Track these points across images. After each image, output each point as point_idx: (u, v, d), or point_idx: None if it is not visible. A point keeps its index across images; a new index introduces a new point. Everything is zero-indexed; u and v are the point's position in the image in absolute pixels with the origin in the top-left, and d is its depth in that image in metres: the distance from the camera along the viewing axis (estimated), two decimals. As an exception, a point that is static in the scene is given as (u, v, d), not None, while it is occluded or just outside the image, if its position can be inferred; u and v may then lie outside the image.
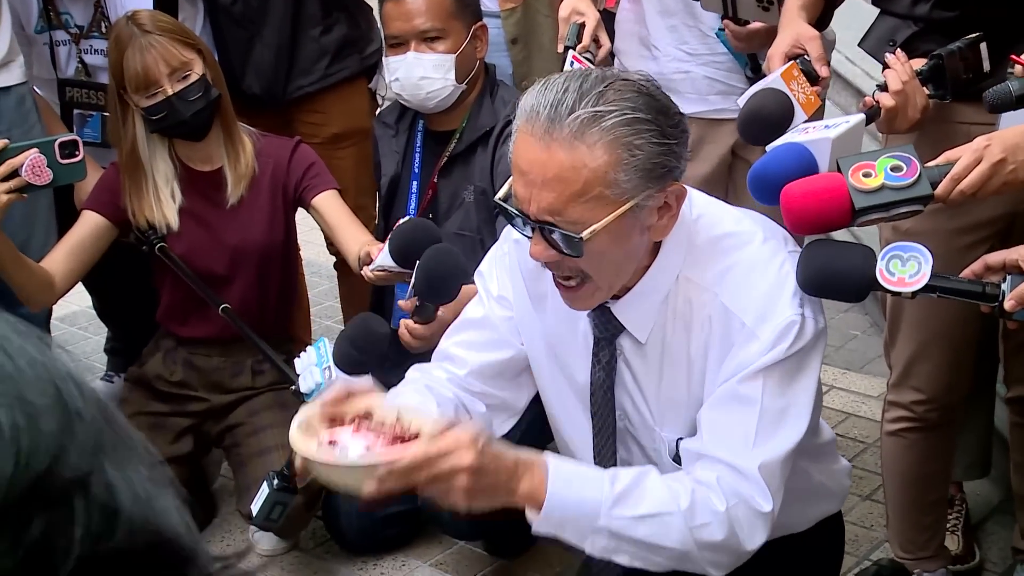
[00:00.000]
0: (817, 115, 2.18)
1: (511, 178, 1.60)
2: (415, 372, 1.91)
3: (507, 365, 1.86)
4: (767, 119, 2.07)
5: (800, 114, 2.08)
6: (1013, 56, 1.91)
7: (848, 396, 3.40)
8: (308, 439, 1.50)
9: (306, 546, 2.84)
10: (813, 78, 2.11)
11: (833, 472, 1.87)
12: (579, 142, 1.50)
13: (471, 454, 1.44)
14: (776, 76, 2.09)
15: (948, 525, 2.70)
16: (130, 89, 2.58)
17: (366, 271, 2.42)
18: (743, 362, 1.60)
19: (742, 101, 2.14)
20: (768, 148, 1.90)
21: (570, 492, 1.52)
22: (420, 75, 2.63)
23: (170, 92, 2.56)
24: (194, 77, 2.58)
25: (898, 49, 2.10)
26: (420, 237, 2.24)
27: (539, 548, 2.84)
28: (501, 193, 1.65)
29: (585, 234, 1.52)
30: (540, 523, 1.52)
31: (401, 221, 2.39)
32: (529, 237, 1.59)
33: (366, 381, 1.62)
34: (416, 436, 1.49)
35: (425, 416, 1.55)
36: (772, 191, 1.77)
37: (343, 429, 1.53)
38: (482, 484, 1.47)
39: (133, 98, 2.59)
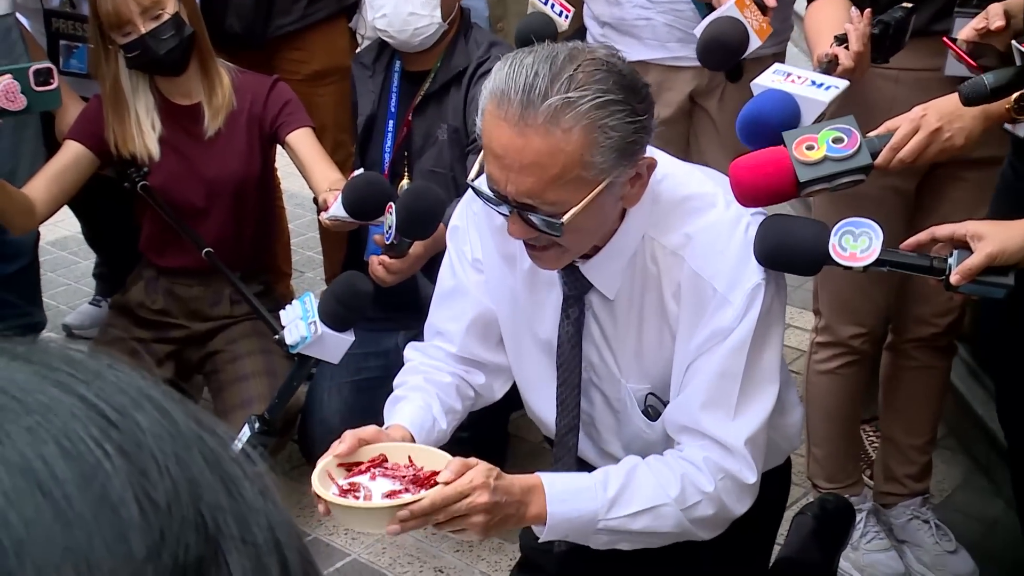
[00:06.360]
0: (769, 41, 2.27)
1: (481, 156, 1.62)
2: (412, 353, 1.96)
3: (491, 327, 1.91)
4: (726, 44, 2.16)
5: (755, 40, 2.16)
6: (945, 40, 1.97)
7: (804, 335, 3.52)
8: (328, 484, 1.59)
9: (281, 469, 2.96)
10: (763, 7, 2.20)
11: (786, 429, 1.92)
12: (555, 127, 1.51)
13: (486, 494, 1.55)
14: (731, 5, 2.18)
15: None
16: (105, 27, 2.62)
17: (323, 218, 2.52)
18: (718, 329, 1.66)
19: (699, 30, 2.21)
20: (754, 88, 1.93)
21: (567, 508, 1.65)
22: (409, 11, 2.70)
23: (143, 31, 2.59)
24: (166, 16, 2.60)
25: (867, 10, 2.12)
26: (371, 192, 2.32)
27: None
28: (473, 173, 1.67)
29: (566, 218, 1.56)
30: (546, 533, 1.67)
31: (354, 175, 2.46)
32: (506, 216, 1.63)
33: (373, 428, 1.70)
34: (430, 475, 1.59)
35: (436, 455, 1.64)
36: (761, 136, 1.80)
37: (361, 476, 1.62)
38: (496, 518, 1.59)
39: (109, 35, 2.64)
